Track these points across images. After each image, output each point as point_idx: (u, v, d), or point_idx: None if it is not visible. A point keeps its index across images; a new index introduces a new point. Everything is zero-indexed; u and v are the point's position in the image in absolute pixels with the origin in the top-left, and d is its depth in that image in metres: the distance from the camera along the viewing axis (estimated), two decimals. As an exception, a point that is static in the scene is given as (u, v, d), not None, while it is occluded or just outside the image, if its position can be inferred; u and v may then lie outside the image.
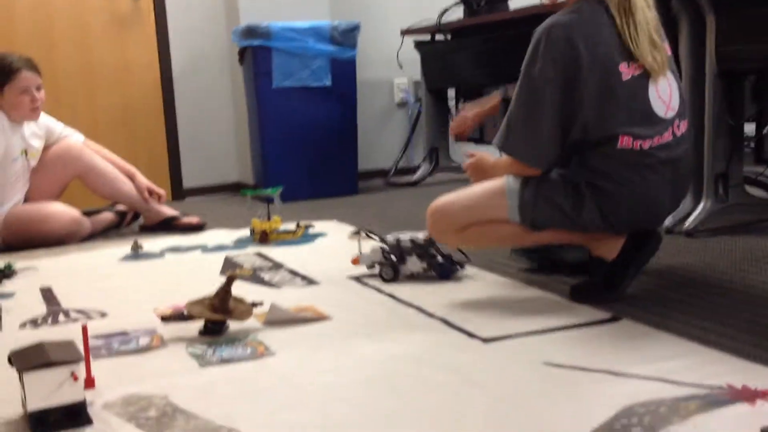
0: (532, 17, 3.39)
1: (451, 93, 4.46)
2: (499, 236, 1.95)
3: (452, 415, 1.25)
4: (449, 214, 1.97)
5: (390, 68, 4.46)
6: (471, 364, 1.46)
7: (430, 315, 1.79)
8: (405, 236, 2.15)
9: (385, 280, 2.12)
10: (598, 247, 1.92)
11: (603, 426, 1.17)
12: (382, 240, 2.18)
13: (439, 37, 4.23)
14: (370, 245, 2.22)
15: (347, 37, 3.84)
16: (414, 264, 2.12)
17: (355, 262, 2.20)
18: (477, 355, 1.52)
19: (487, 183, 1.96)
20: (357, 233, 2.68)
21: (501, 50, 3.70)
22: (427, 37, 4.26)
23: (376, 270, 2.15)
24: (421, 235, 2.14)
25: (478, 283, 2.08)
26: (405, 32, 4.25)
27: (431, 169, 4.35)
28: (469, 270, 2.21)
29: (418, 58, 4.29)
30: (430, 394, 1.34)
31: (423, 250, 2.12)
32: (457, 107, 4.40)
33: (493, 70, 3.79)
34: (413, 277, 2.13)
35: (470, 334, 1.63)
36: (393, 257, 2.13)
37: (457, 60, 4.03)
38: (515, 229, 1.91)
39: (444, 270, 2.12)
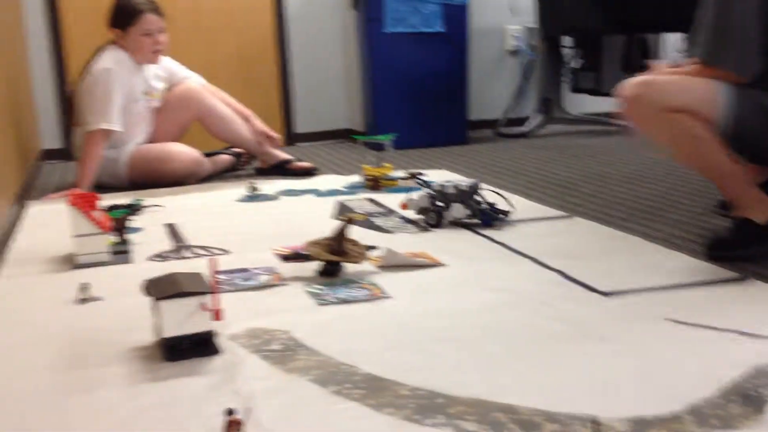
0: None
1: (568, 41, 4.33)
2: (693, 132, 1.81)
3: (569, 365, 1.24)
4: (662, 88, 1.85)
5: (503, 14, 4.37)
6: (590, 317, 1.44)
7: (546, 266, 1.77)
8: (450, 184, 2.18)
9: (430, 225, 2.16)
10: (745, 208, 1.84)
11: (732, 385, 1.13)
12: (429, 186, 2.21)
13: (557, -17, 4.10)
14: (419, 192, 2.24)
15: (461, -19, 3.77)
16: (458, 210, 2.16)
17: (404, 207, 2.24)
18: (596, 308, 1.50)
19: (688, 78, 1.84)
20: (408, 178, 2.76)
21: (625, -4, 3.57)
22: (545, -17, 4.13)
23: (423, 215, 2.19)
24: (465, 184, 2.17)
25: (596, 236, 2.05)
26: (522, -23, 4.14)
27: (543, 120, 4.26)
28: (584, 222, 2.18)
29: (533, 4, 4.18)
30: (546, 344, 1.33)
31: (467, 197, 2.15)
32: (574, 56, 4.28)
33: (615, 17, 3.65)
34: (456, 224, 2.17)
35: (589, 288, 1.61)
36: (439, 203, 2.16)
37: (575, 6, 3.90)
38: (704, 133, 1.80)
39: (487, 217, 2.15)
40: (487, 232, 2.09)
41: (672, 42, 4.19)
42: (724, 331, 1.35)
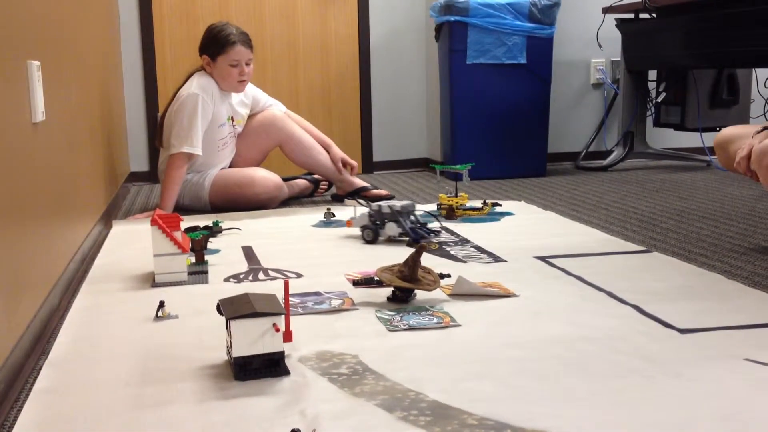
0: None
1: (652, 75, 4.26)
2: None
3: (644, 401, 1.21)
4: None
5: (588, 47, 4.34)
6: (666, 354, 1.40)
7: (622, 301, 1.73)
8: (386, 204, 2.40)
9: (367, 241, 2.39)
10: None
11: (814, 431, 1.08)
12: (369, 207, 2.43)
13: (644, 15, 4.04)
14: (361, 211, 2.49)
15: (546, 14, 3.76)
16: (391, 228, 2.38)
17: (349, 224, 2.48)
18: (673, 345, 1.45)
19: None
20: (353, 199, 3.12)
21: (714, 30, 3.48)
22: (630, 16, 4.09)
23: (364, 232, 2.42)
24: (399, 205, 2.39)
25: (675, 272, 1.99)
26: (607, 9, 4.10)
27: (624, 153, 4.19)
28: (662, 257, 2.12)
29: (618, 38, 4.13)
30: (622, 379, 1.30)
31: (400, 217, 2.37)
32: (658, 90, 4.21)
33: (702, 52, 3.57)
34: (390, 240, 2.39)
35: (666, 324, 1.57)
36: (376, 222, 2.39)
37: (662, 40, 3.84)
38: None
39: (416, 235, 2.36)
40: (563, 264, 2.06)
41: (762, 78, 4.07)
42: (807, 375, 1.29)
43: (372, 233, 2.38)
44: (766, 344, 1.44)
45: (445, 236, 2.48)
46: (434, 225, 2.57)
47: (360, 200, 2.64)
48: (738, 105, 4.07)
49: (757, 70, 4.11)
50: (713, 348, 1.43)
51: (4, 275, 1.35)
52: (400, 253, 2.19)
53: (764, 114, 4.04)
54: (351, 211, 2.92)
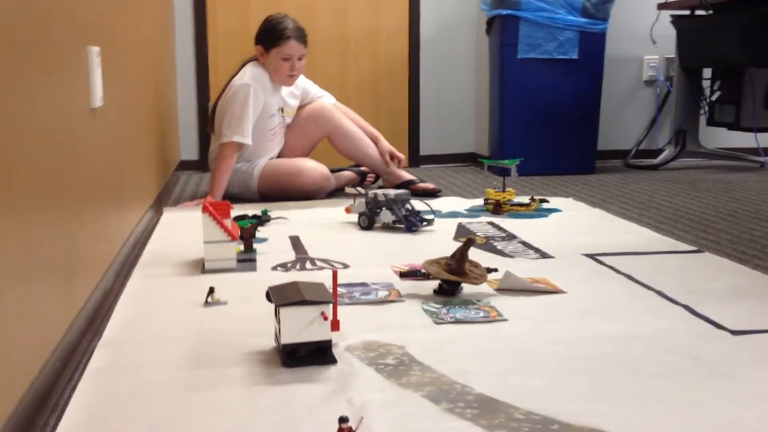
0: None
1: (706, 73, 4.18)
2: None
3: (694, 402, 1.19)
4: None
5: (641, 43, 4.27)
6: (717, 355, 1.38)
7: (672, 300, 1.71)
8: (381, 192, 2.47)
9: (362, 227, 2.48)
10: None
11: None
12: (366, 195, 2.50)
13: (699, 12, 3.97)
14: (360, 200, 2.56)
15: (600, 9, 3.72)
16: (386, 216, 2.47)
17: (348, 210, 2.57)
18: (724, 346, 1.43)
19: None
20: (353, 188, 3.31)
21: (771, 28, 3.41)
22: (685, 12, 4.01)
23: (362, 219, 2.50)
24: (393, 193, 2.46)
25: (727, 273, 1.95)
26: (662, 6, 4.03)
27: (676, 152, 4.12)
28: (714, 258, 2.09)
29: (673, 34, 4.06)
30: (670, 379, 1.28)
31: (394, 204, 2.44)
32: (712, 88, 4.13)
33: (759, 50, 3.49)
34: (386, 227, 2.48)
35: (717, 325, 1.54)
36: (372, 209, 2.48)
37: (718, 37, 3.77)
38: None
39: (410, 223, 2.44)
40: (612, 262, 2.04)
41: (822, 76, 3.97)
42: None
43: (368, 220, 2.48)
44: (822, 349, 1.41)
45: (492, 231, 2.47)
46: (428, 214, 2.58)
47: (359, 189, 2.66)
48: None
49: (816, 69, 4.00)
50: (765, 350, 1.41)
51: (62, 257, 1.38)
52: (447, 247, 2.18)
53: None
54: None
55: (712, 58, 3.93)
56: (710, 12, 3.90)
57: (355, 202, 2.54)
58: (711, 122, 4.16)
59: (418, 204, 2.66)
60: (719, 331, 1.51)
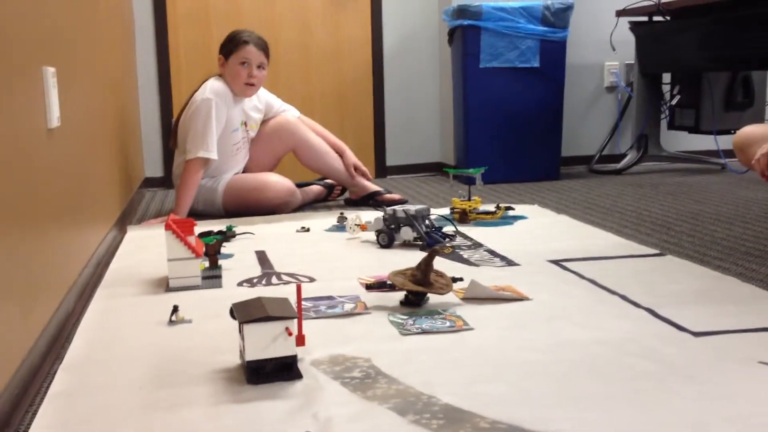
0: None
1: (666, 78, 4.25)
2: None
3: (658, 404, 1.20)
4: None
5: (601, 50, 4.33)
6: (679, 357, 1.40)
7: (636, 304, 1.73)
8: (401, 208, 2.39)
9: (382, 246, 2.39)
10: None
11: (829, 434, 1.08)
12: (384, 211, 2.42)
13: (657, 18, 4.03)
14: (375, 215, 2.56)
15: (560, 17, 3.76)
16: (406, 233, 2.37)
17: (364, 228, 2.49)
18: (686, 348, 1.45)
19: None
20: (370, 205, 3.21)
21: (728, 32, 3.47)
22: (644, 18, 4.08)
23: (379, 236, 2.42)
24: (413, 209, 2.37)
25: (689, 275, 1.98)
26: (620, 13, 4.09)
27: (638, 157, 4.17)
28: (676, 260, 2.12)
29: (632, 41, 4.12)
30: (634, 382, 1.29)
31: (415, 221, 2.36)
32: (672, 93, 4.19)
33: (717, 54, 3.56)
34: (406, 245, 2.39)
35: (679, 327, 1.56)
36: (390, 226, 2.38)
37: (676, 43, 3.83)
38: None
39: (432, 239, 2.36)
40: (576, 268, 2.06)
41: (778, 79, 4.05)
42: (822, 378, 1.28)
43: (387, 237, 2.38)
44: (781, 347, 1.43)
45: (458, 240, 2.48)
46: (449, 229, 2.55)
47: (377, 205, 2.58)
48: (753, 107, 4.04)
49: (772, 72, 4.09)
50: (727, 351, 1.42)
51: (20, 279, 1.36)
52: (412, 258, 2.19)
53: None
54: (363, 216, 2.93)
55: (671, 63, 3.99)
56: (668, 18, 3.96)
57: (347, 221, 2.49)
58: (672, 126, 4.23)
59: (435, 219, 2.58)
60: (682, 333, 1.53)
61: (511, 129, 3.84)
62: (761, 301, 1.74)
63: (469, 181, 2.94)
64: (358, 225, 2.52)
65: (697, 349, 1.44)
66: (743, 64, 3.72)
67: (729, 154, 4.11)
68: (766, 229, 2.57)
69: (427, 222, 2.41)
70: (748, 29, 3.34)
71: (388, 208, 2.42)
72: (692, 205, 3.08)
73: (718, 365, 1.36)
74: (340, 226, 2.74)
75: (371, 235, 2.52)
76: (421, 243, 2.38)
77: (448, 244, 2.38)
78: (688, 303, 1.73)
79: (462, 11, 3.72)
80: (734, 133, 2.84)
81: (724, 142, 4.22)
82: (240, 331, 1.36)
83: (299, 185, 3.23)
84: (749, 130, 2.26)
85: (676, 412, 1.18)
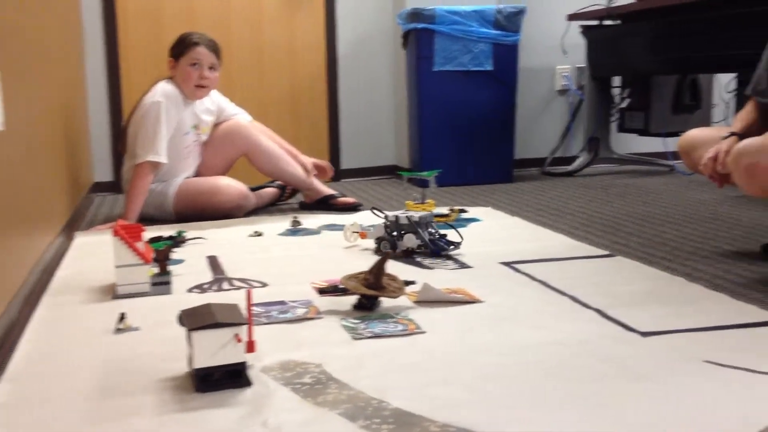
0: (713, 1, 3.22)
1: (616, 81, 4.31)
2: None
3: (608, 404, 1.21)
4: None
5: (553, 54, 4.37)
6: (628, 357, 1.41)
7: (586, 305, 1.74)
8: (403, 215, 2.30)
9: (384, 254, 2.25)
10: None
11: (771, 431, 1.10)
12: (386, 217, 2.33)
13: (607, 22, 4.09)
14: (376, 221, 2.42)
15: (512, 21, 3.79)
16: (410, 240, 2.28)
17: (363, 236, 2.40)
18: (635, 348, 1.46)
19: None
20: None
21: (677, 36, 3.53)
22: (594, 22, 4.13)
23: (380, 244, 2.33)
24: (417, 215, 2.29)
25: (638, 276, 2.01)
26: (572, 17, 4.14)
27: (590, 159, 4.22)
28: (625, 261, 2.14)
29: (583, 44, 4.17)
30: (586, 383, 1.30)
31: (418, 227, 2.27)
32: (622, 96, 4.25)
33: (666, 58, 3.62)
34: (409, 252, 2.28)
35: (628, 327, 1.58)
36: (393, 233, 2.29)
37: (626, 46, 3.89)
38: None
39: (436, 247, 2.26)
40: (528, 269, 2.07)
41: (723, 83, 4.14)
42: (763, 374, 1.31)
43: (389, 245, 2.29)
44: (726, 346, 1.46)
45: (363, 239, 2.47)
46: (453, 236, 2.40)
47: (375, 211, 2.49)
48: (700, 110, 4.12)
49: (718, 75, 4.17)
50: (674, 350, 1.45)
51: (-41, 289, 1.32)
52: (367, 262, 2.18)
53: (725, 119, 4.10)
54: (315, 220, 2.92)
55: (621, 66, 4.05)
56: (618, 22, 4.02)
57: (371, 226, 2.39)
58: (622, 129, 4.29)
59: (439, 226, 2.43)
60: (630, 333, 1.55)
61: (464, 132, 3.86)
62: (707, 301, 1.77)
63: (423, 183, 2.94)
64: (356, 232, 2.43)
65: (645, 349, 1.46)
66: (691, 68, 3.80)
67: (677, 156, 4.18)
68: (712, 229, 2.62)
69: (430, 229, 2.32)
70: (696, 33, 3.40)
71: (390, 215, 2.32)
72: (641, 206, 3.13)
73: (666, 365, 1.37)
74: (294, 230, 2.72)
75: (369, 243, 2.42)
76: (425, 251, 2.29)
77: (452, 251, 2.29)
78: (637, 303, 1.75)
79: (416, 14, 3.73)
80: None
81: (673, 144, 4.29)
82: (188, 339, 1.34)
83: (253, 189, 3.20)
84: (693, 134, 2.31)
85: (625, 412, 1.19)
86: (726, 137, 2.10)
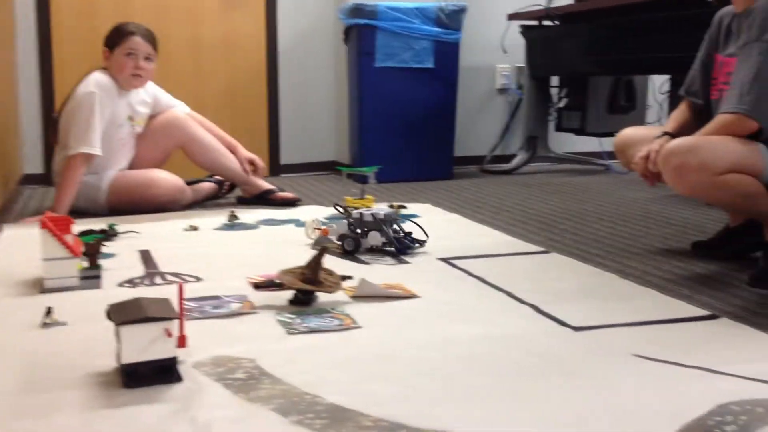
0: (648, 4, 3.29)
1: (555, 80, 4.37)
2: (746, 191, 1.93)
3: (538, 398, 1.23)
4: (709, 154, 1.91)
5: (493, 53, 4.40)
6: (560, 352, 1.43)
7: (521, 301, 1.76)
8: (368, 212, 2.25)
9: (347, 252, 2.23)
10: None
11: (695, 422, 1.12)
12: (349, 215, 2.29)
13: (546, 23, 4.14)
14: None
15: (453, 19, 3.81)
16: (374, 238, 2.23)
17: (326, 232, 2.34)
18: (567, 342, 1.48)
19: (728, 138, 1.94)
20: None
21: (613, 38, 3.60)
22: (534, 23, 4.18)
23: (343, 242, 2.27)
24: (382, 213, 2.24)
25: (572, 272, 2.04)
26: (512, 17, 4.18)
27: (528, 157, 4.28)
28: (560, 258, 2.18)
29: (523, 44, 4.22)
30: (517, 377, 1.31)
31: (383, 225, 2.22)
32: (559, 96, 4.32)
33: (602, 59, 3.68)
34: (373, 250, 2.23)
35: (561, 322, 1.60)
36: (357, 231, 2.25)
37: (564, 47, 3.95)
38: (756, 188, 1.92)
39: (402, 245, 2.22)
40: (465, 265, 2.08)
41: (657, 84, 4.23)
42: (690, 368, 1.34)
43: (353, 243, 2.24)
44: (655, 340, 1.49)
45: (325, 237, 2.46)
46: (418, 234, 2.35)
47: (338, 207, 2.44)
48: (635, 110, 4.21)
49: (653, 76, 4.26)
50: (604, 345, 1.47)
51: None
52: (304, 256, 2.16)
53: (659, 120, 4.20)
54: (253, 215, 2.88)
55: (559, 66, 4.11)
56: (556, 23, 4.08)
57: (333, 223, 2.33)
58: (559, 128, 4.35)
59: (405, 224, 2.39)
60: (563, 328, 1.57)
61: (405, 128, 3.87)
62: (638, 297, 1.81)
63: (363, 179, 2.94)
64: (318, 229, 2.39)
65: (577, 343, 1.48)
66: (626, 69, 3.88)
67: (613, 155, 4.26)
68: (644, 227, 2.68)
69: (395, 226, 2.28)
70: (631, 35, 3.47)
71: (354, 212, 2.28)
72: (577, 204, 3.18)
73: (597, 359, 1.40)
74: (231, 225, 2.69)
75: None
76: (390, 249, 2.25)
77: (417, 249, 2.26)
78: (570, 299, 1.78)
79: (357, 10, 3.72)
80: (617, 135, 2.94)
81: (608, 144, 4.38)
82: (116, 333, 1.30)
83: (189, 183, 3.15)
84: (629, 133, 2.35)
85: (555, 405, 1.20)
86: (659, 137, 2.14)
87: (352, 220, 2.27)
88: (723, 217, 2.44)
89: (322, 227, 2.37)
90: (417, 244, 2.27)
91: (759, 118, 1.90)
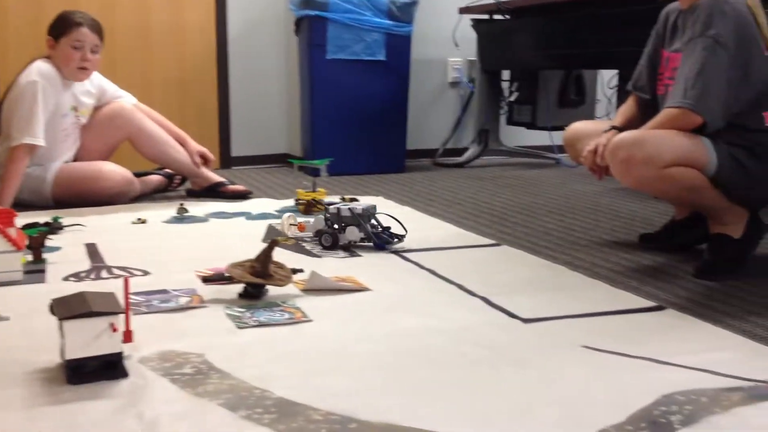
0: (597, 0, 3.33)
1: (506, 74, 4.40)
2: (691, 184, 1.95)
3: (487, 389, 1.23)
4: (654, 148, 1.93)
5: (445, 46, 4.41)
6: (509, 343, 1.44)
7: (471, 293, 1.77)
8: (345, 207, 2.22)
9: (325, 247, 2.20)
10: (723, 224, 2.01)
11: (640, 412, 1.14)
12: (326, 210, 2.26)
13: (498, 17, 4.16)
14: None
15: (405, 12, 3.81)
16: (352, 233, 2.19)
17: (302, 228, 2.32)
18: (516, 334, 1.50)
19: (673, 132, 1.96)
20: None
21: (562, 32, 3.63)
22: (485, 17, 4.20)
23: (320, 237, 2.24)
24: (360, 208, 2.21)
25: (522, 264, 2.06)
26: (463, 10, 4.19)
27: (479, 151, 4.30)
28: (511, 250, 2.19)
29: (475, 38, 4.23)
30: (466, 369, 1.32)
31: (361, 220, 2.19)
32: (510, 90, 4.35)
33: (553, 53, 3.72)
34: (351, 246, 2.20)
35: (510, 314, 1.61)
36: (334, 226, 2.22)
37: (515, 41, 3.97)
38: (701, 181, 1.95)
39: (380, 240, 2.20)
40: (416, 258, 2.09)
41: (606, 79, 4.29)
42: (636, 359, 1.36)
43: (330, 238, 2.19)
44: (603, 331, 1.51)
45: (300, 231, 2.45)
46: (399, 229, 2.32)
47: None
48: (584, 105, 4.26)
49: (602, 71, 4.32)
50: (553, 336, 1.48)
51: None
52: (255, 250, 2.14)
53: (608, 114, 4.26)
54: (203, 207, 2.85)
55: (510, 60, 4.14)
56: (507, 17, 4.10)
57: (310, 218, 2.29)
58: (510, 122, 4.39)
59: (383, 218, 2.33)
60: (512, 320, 1.58)
61: (357, 121, 3.86)
62: (586, 289, 1.83)
63: (314, 172, 2.92)
64: (294, 225, 2.35)
65: (526, 335, 1.50)
66: (575, 64, 3.92)
67: (563, 149, 4.31)
68: (593, 220, 2.72)
69: (373, 221, 2.24)
70: (580, 30, 3.51)
71: (331, 207, 2.24)
72: (527, 197, 3.21)
73: (545, 350, 1.41)
74: (180, 218, 2.65)
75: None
76: (368, 244, 2.21)
77: (396, 244, 2.22)
78: (520, 291, 1.79)
79: (308, 1, 3.69)
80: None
81: (559, 137, 4.43)
82: (60, 329, 1.27)
83: (137, 174, 3.09)
84: (578, 127, 2.38)
85: (504, 396, 1.21)
86: (607, 131, 2.17)
87: (328, 215, 2.23)
88: (669, 210, 2.48)
89: (299, 222, 2.34)
90: (396, 239, 2.24)
91: (703, 113, 1.93)
